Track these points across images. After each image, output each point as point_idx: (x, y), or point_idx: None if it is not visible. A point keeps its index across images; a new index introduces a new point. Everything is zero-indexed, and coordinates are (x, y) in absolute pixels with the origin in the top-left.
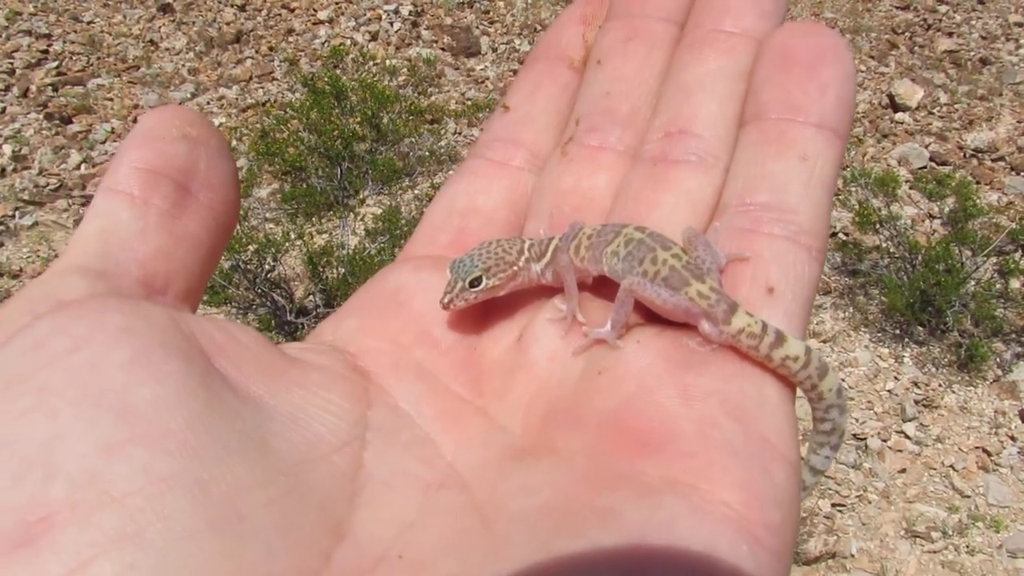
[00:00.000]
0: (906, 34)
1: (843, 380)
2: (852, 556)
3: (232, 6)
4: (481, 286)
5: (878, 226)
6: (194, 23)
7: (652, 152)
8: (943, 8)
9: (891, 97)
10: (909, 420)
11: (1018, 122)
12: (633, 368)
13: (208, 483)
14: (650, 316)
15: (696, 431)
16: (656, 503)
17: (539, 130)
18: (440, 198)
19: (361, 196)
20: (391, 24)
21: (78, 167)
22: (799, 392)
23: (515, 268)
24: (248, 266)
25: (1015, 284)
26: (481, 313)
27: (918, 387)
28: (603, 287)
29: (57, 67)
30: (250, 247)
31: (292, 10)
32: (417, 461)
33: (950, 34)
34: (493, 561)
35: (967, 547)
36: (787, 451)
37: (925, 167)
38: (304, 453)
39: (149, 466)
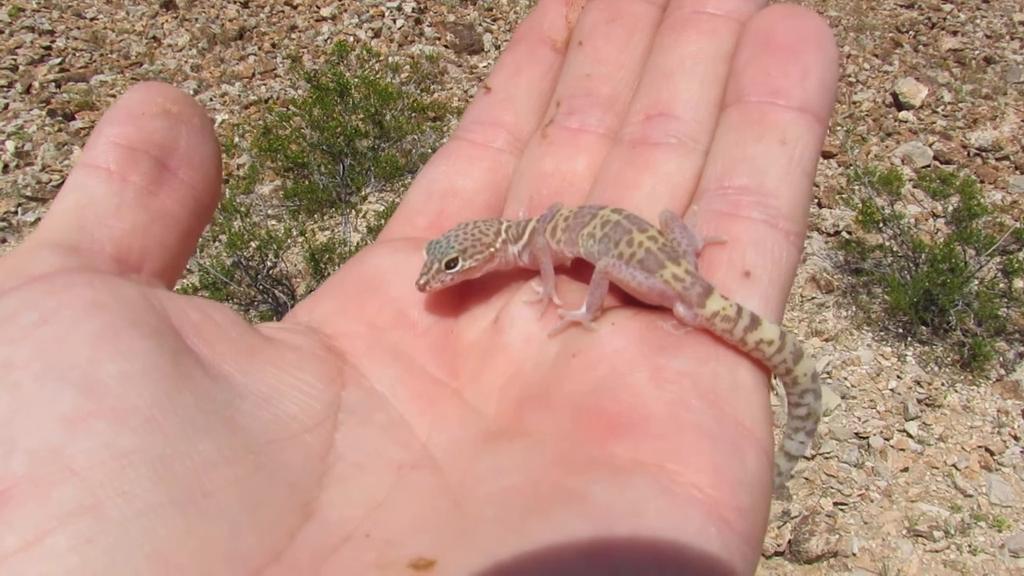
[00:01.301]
0: (910, 32)
1: (846, 379)
2: (854, 555)
3: (235, 3)
4: (457, 268)
5: (881, 225)
6: (197, 20)
7: (632, 134)
8: (947, 7)
9: (895, 95)
10: (912, 419)
11: (1022, 121)
12: (607, 350)
13: (172, 459)
14: (626, 299)
15: (667, 413)
16: (624, 484)
17: (520, 112)
18: (420, 180)
19: (363, 193)
20: (394, 21)
21: None
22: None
23: (492, 250)
24: (250, 262)
25: (1019, 283)
26: (458, 295)
27: (921, 386)
28: (581, 270)
29: (60, 63)
30: (252, 243)
31: (295, 7)
32: (390, 442)
33: (954, 33)
34: (461, 541)
35: (969, 547)
36: (760, 435)
37: (929, 166)
38: (274, 432)
39: (111, 441)
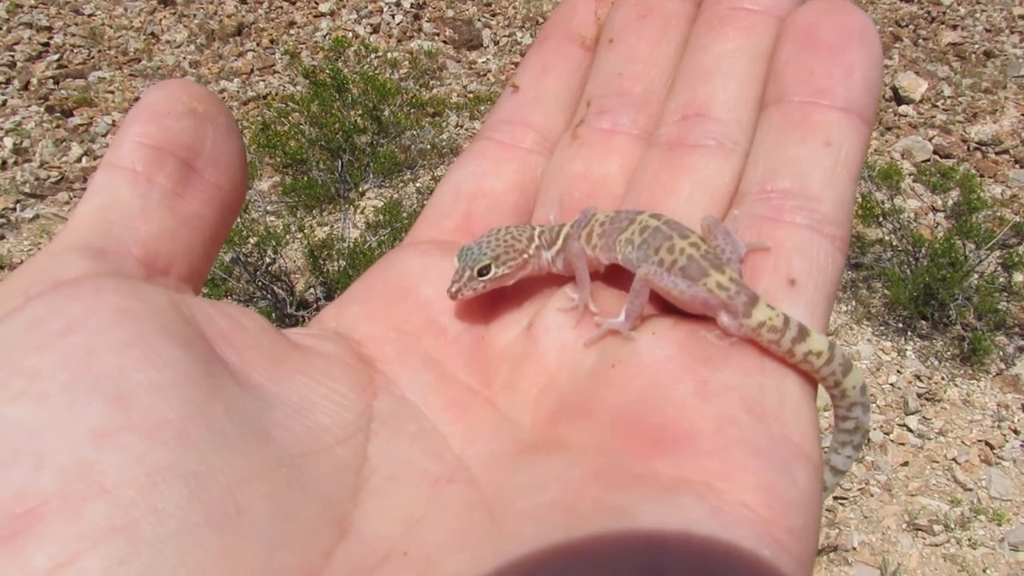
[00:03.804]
0: (910, 27)
1: None
2: (854, 549)
3: None
4: (490, 275)
5: (881, 219)
6: (195, 16)
7: (668, 136)
8: (947, 0)
9: (895, 90)
10: (912, 413)
11: (1022, 115)
12: (647, 361)
13: (205, 475)
14: (665, 307)
15: (714, 429)
16: (672, 502)
17: (549, 111)
18: (447, 181)
19: (362, 189)
20: (393, 17)
21: (79, 160)
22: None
23: (525, 256)
24: (249, 259)
25: (1018, 277)
26: (490, 301)
27: (921, 380)
28: (616, 276)
29: (58, 60)
30: (251, 240)
31: (293, 3)
32: (424, 454)
33: (954, 27)
34: (502, 559)
35: (969, 540)
36: (810, 451)
37: (929, 160)
38: (307, 444)
39: (143, 456)
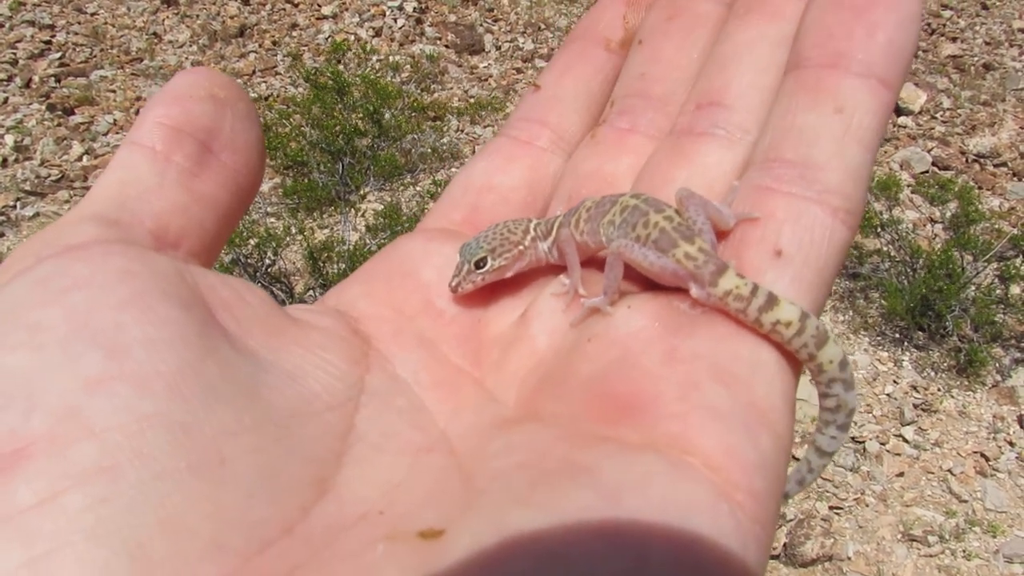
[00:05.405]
0: None
1: None
2: (849, 559)
3: (236, 0)
4: (487, 267)
5: (879, 230)
6: (198, 16)
7: (680, 126)
8: (947, 13)
9: None
10: (908, 424)
11: (1021, 128)
12: (621, 332)
13: (192, 426)
14: (648, 285)
15: (677, 394)
16: (633, 460)
17: (566, 111)
18: (460, 175)
19: (362, 192)
20: (395, 20)
21: (80, 158)
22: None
23: (520, 248)
24: (249, 260)
25: (1015, 290)
26: (489, 288)
27: (917, 391)
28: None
29: (60, 58)
30: (251, 241)
31: (296, 5)
32: (410, 427)
33: (954, 39)
34: (468, 512)
35: (964, 552)
36: (776, 420)
37: (927, 171)
38: (296, 407)
39: (132, 404)
